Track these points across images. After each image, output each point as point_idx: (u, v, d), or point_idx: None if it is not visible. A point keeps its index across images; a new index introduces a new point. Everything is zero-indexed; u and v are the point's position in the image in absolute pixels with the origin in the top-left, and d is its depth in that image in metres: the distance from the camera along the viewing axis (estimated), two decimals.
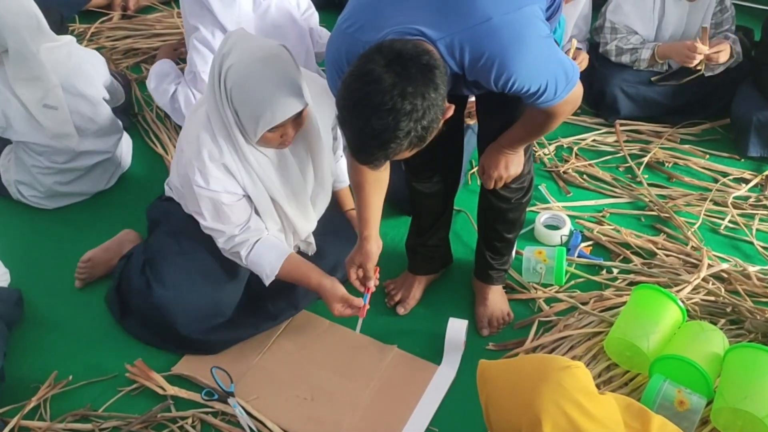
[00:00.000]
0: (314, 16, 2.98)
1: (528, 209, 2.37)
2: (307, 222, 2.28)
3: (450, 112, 1.65)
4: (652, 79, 3.14)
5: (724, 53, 2.99)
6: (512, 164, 2.08)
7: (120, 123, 2.87)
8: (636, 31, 3.11)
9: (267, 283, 2.20)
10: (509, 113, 1.99)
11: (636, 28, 3.11)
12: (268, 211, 2.16)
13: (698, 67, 3.00)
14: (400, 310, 2.43)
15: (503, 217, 2.29)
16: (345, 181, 2.49)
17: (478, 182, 2.23)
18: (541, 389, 1.49)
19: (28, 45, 2.49)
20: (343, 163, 2.42)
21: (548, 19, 1.88)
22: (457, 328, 2.31)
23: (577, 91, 1.81)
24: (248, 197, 2.13)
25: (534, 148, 2.87)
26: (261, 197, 2.13)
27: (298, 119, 1.98)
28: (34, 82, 2.53)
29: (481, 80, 1.71)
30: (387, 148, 1.58)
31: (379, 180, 2.06)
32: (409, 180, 2.33)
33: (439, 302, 2.46)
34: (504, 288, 2.47)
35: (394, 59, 1.54)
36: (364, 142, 1.59)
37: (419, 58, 1.55)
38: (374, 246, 2.12)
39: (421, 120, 1.55)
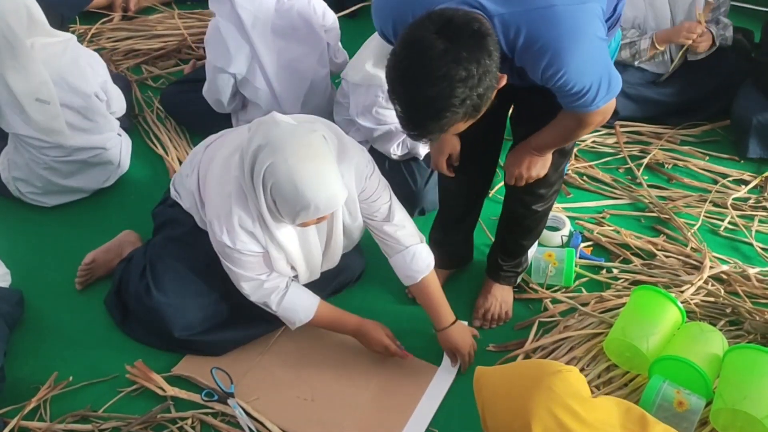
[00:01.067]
0: (335, 32, 2.94)
1: None
2: (311, 277, 2.25)
3: (503, 82, 1.62)
4: (661, 80, 3.13)
5: (704, 43, 3.00)
6: (535, 166, 2.07)
7: (116, 121, 2.88)
8: (637, 27, 3.09)
9: (293, 328, 2.20)
10: (542, 124, 1.98)
11: (633, 14, 3.06)
12: (284, 269, 2.13)
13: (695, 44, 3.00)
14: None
15: (521, 223, 2.32)
16: (406, 273, 2.24)
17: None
18: (532, 394, 1.49)
19: (15, 31, 2.47)
20: (401, 229, 2.21)
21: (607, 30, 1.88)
22: None
23: (612, 103, 1.80)
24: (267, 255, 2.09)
25: None
26: (280, 259, 2.09)
27: None
28: (24, 72, 2.51)
29: (529, 68, 1.69)
30: (442, 118, 1.54)
31: None
32: (441, 175, 2.29)
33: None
34: (515, 289, 2.48)
35: (444, 25, 1.51)
36: (418, 113, 1.56)
37: (470, 24, 1.53)
38: (454, 136, 2.10)
39: (477, 87, 1.52)
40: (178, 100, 3.16)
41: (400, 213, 2.21)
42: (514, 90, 1.83)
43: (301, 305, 2.17)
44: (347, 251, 2.31)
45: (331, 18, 2.91)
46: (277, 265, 2.09)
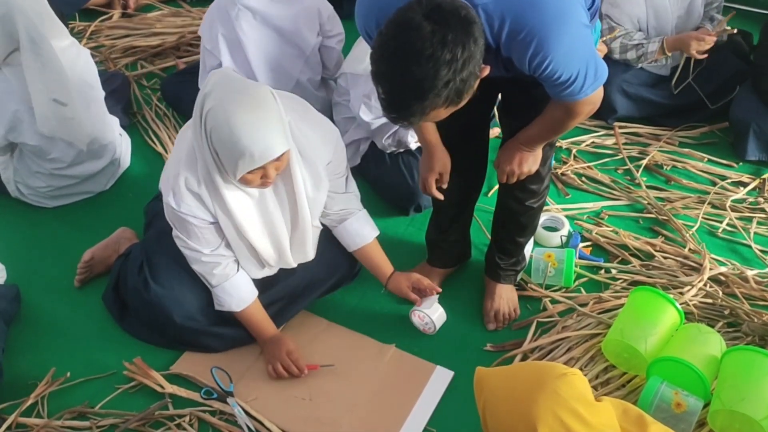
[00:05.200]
0: (339, 38, 2.96)
1: None
2: (284, 263, 2.25)
3: (486, 72, 1.63)
4: (675, 92, 3.14)
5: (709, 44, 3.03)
6: (526, 162, 2.08)
7: (117, 119, 2.88)
8: (638, 26, 3.08)
9: (218, 309, 2.23)
10: (530, 116, 1.99)
11: (635, 13, 3.06)
12: (238, 245, 2.13)
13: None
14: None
15: (515, 220, 2.32)
16: (361, 233, 2.33)
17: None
18: (538, 397, 1.49)
19: (40, 30, 2.47)
20: (355, 196, 2.32)
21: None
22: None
23: (600, 92, 1.82)
24: (218, 226, 2.10)
25: None
26: (231, 231, 2.09)
27: (279, 161, 1.92)
28: (44, 71, 2.50)
29: (516, 57, 1.70)
30: (425, 99, 1.55)
31: None
32: None
33: (441, 302, 2.44)
34: (516, 287, 2.49)
35: (433, 9, 1.53)
36: (402, 93, 1.56)
37: (458, 10, 1.55)
38: (445, 152, 2.12)
39: (461, 71, 1.54)
40: (178, 89, 3.16)
41: (352, 181, 2.29)
42: (501, 82, 1.84)
43: (238, 295, 2.19)
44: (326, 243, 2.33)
45: (337, 24, 2.93)
46: (227, 231, 2.09)
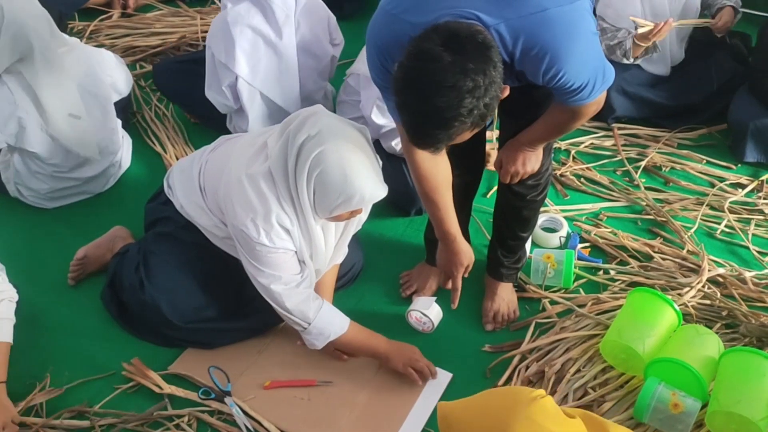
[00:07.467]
0: (341, 48, 2.97)
1: None
2: (312, 282, 2.25)
3: (506, 92, 1.65)
4: (634, 60, 3.11)
5: (724, 18, 3.05)
6: (529, 161, 2.10)
7: (119, 121, 2.89)
8: (634, 25, 3.08)
9: (321, 346, 2.17)
10: (531, 116, 2.01)
11: (630, 13, 3.04)
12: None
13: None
14: None
15: (518, 215, 2.32)
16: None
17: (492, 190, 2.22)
18: (513, 427, 1.48)
19: (51, 47, 2.46)
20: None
21: None
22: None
23: (604, 93, 1.84)
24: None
25: None
26: (305, 257, 2.11)
27: None
28: (58, 88, 2.50)
29: (528, 71, 1.72)
30: (450, 128, 1.57)
31: (447, 177, 2.06)
32: None
33: (439, 302, 2.45)
34: (515, 287, 2.49)
35: (450, 38, 1.54)
36: (426, 123, 1.58)
37: (475, 36, 1.55)
38: (467, 243, 2.16)
39: (484, 97, 1.55)
40: (175, 79, 3.12)
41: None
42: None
43: (337, 318, 2.17)
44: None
45: (340, 33, 2.94)
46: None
